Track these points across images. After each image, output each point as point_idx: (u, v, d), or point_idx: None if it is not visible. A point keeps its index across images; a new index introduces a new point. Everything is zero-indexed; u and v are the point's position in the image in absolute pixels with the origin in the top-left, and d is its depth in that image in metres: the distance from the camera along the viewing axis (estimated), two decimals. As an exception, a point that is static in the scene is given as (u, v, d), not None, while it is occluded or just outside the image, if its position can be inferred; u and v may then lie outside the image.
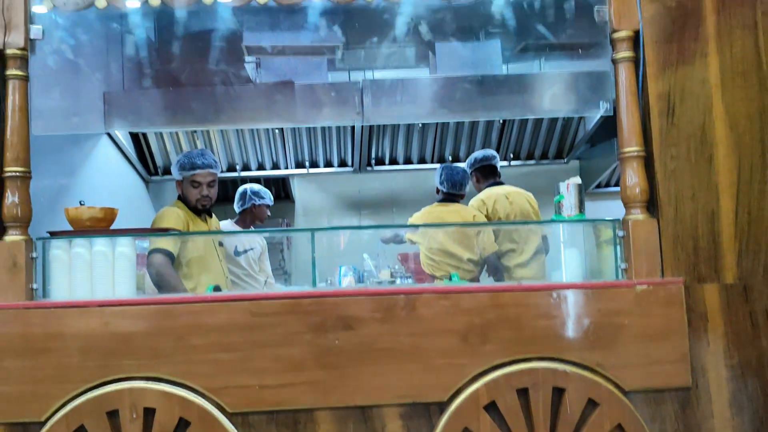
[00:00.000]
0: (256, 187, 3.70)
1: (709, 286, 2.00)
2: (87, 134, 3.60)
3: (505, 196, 3.29)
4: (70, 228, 2.21)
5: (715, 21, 2.06)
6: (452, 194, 3.27)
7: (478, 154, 3.45)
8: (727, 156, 2.04)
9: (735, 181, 2.03)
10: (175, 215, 2.73)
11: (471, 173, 3.44)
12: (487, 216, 3.22)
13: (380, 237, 3.27)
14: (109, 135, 3.85)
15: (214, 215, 3.00)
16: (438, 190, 3.36)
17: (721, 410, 1.97)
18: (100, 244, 2.08)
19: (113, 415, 1.86)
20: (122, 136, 3.98)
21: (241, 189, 3.71)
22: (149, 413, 1.86)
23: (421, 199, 4.97)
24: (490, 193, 3.31)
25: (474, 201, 3.34)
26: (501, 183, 3.41)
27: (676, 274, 1.99)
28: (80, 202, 2.32)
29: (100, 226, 2.22)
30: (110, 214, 2.26)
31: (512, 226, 3.35)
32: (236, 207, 3.67)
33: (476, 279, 3.15)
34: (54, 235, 2.12)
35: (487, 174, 3.40)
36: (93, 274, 2.07)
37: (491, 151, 3.47)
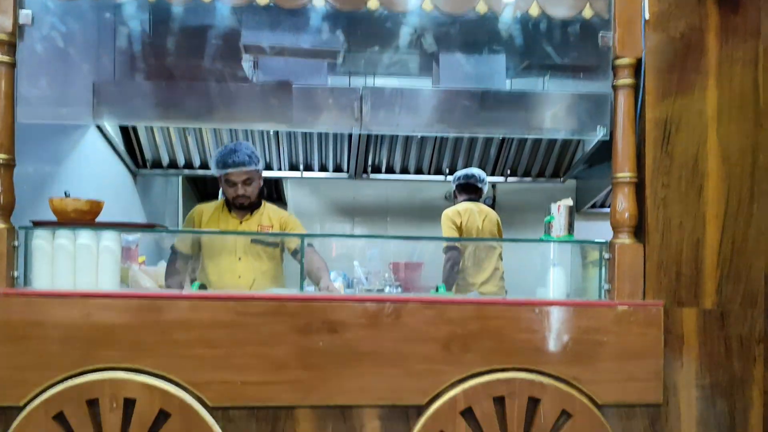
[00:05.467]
0: None
1: (688, 310, 2.16)
2: (75, 124, 3.71)
3: (478, 212, 3.66)
4: (53, 218, 2.25)
5: (717, 54, 2.21)
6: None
7: (463, 171, 3.83)
8: (717, 187, 2.20)
9: (722, 213, 2.19)
10: (197, 212, 2.97)
11: (454, 187, 3.86)
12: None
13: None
14: (98, 126, 3.95)
15: (267, 209, 3.03)
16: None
17: (689, 428, 2.13)
18: (84, 237, 2.15)
19: (93, 404, 1.96)
20: (111, 127, 4.08)
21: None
22: (129, 404, 1.97)
23: (416, 209, 5.13)
24: (466, 206, 3.68)
25: (450, 210, 3.68)
26: (476, 201, 3.78)
27: (657, 297, 2.15)
28: (65, 193, 2.36)
29: (85, 218, 2.26)
30: (96, 207, 2.31)
31: (504, 242, 3.55)
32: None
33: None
34: (37, 225, 2.18)
35: (467, 191, 3.78)
36: (76, 266, 2.15)
37: (476, 172, 3.80)
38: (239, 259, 2.89)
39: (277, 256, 2.99)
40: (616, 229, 2.21)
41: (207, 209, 3.00)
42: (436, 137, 4.36)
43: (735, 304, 2.18)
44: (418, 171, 4.70)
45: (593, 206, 4.94)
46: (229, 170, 2.86)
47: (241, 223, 2.96)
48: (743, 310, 2.17)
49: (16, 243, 2.08)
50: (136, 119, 3.35)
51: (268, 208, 3.05)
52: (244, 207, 2.94)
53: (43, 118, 2.68)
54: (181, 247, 2.96)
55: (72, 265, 2.15)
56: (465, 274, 3.54)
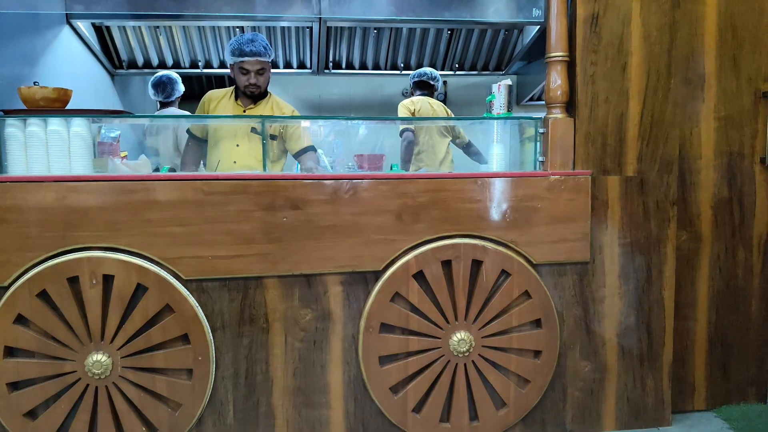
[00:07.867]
0: (174, 75, 3.35)
1: (612, 178, 2.03)
2: (47, 22, 3.18)
3: (429, 103, 3.49)
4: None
5: (638, -66, 1.99)
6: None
7: (418, 70, 3.63)
8: (639, 64, 2.04)
9: (643, 88, 2.04)
10: (207, 98, 2.68)
11: (411, 84, 3.66)
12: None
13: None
14: (71, 26, 3.41)
15: (273, 101, 2.71)
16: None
17: (612, 281, 2.06)
18: (55, 123, 1.91)
19: (74, 281, 1.80)
20: (85, 27, 3.54)
21: (155, 80, 3.31)
22: (108, 280, 1.81)
23: (377, 105, 4.90)
24: (419, 98, 3.53)
25: (405, 100, 3.52)
26: (429, 96, 3.60)
27: (585, 167, 2.02)
28: (34, 83, 2.11)
29: (54, 106, 2.04)
30: (64, 95, 2.06)
31: (451, 120, 3.38)
32: (159, 97, 3.32)
33: None
34: (8, 113, 1.93)
35: (420, 87, 3.61)
36: (49, 152, 1.92)
37: (428, 70, 3.61)
38: (237, 145, 2.61)
39: (279, 149, 2.69)
40: (549, 105, 2.05)
41: (216, 96, 2.70)
42: (390, 33, 4.03)
43: (653, 171, 2.06)
44: (376, 66, 4.38)
45: (531, 99, 4.77)
46: (245, 59, 2.52)
47: (244, 111, 2.66)
48: (660, 177, 2.06)
49: (-12, 131, 1.83)
50: (106, 8, 2.87)
51: (274, 100, 2.73)
52: (253, 96, 2.63)
53: (9, 7, 2.24)
54: (195, 131, 2.71)
55: (45, 152, 1.92)
56: (422, 156, 3.41)
